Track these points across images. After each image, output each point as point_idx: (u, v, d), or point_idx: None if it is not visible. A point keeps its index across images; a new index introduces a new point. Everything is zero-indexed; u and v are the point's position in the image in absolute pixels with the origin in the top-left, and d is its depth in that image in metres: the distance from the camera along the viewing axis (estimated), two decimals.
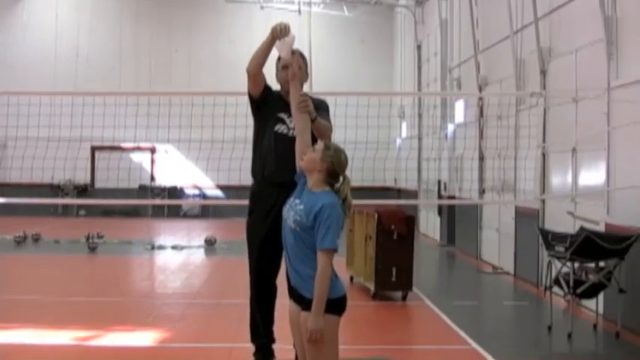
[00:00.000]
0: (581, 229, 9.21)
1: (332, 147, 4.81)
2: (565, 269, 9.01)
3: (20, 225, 20.06)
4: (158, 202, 28.65)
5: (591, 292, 9.11)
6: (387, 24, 29.32)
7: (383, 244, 11.14)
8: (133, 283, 13.48)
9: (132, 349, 8.08)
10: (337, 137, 5.99)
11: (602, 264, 9.01)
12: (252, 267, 6.45)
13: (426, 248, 18.64)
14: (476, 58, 16.72)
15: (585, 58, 11.14)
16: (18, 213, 23.70)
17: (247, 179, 6.77)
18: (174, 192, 28.79)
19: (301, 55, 6.25)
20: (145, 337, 8.57)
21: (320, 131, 5.79)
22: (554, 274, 9.21)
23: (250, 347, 6.63)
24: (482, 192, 16.51)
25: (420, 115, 23.62)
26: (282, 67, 6.15)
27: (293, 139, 5.26)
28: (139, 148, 27.80)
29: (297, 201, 4.73)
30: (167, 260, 16.08)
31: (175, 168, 28.53)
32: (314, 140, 5.23)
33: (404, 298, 11.23)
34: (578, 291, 8.91)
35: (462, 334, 9.00)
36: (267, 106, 6.30)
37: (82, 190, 28.20)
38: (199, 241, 18.77)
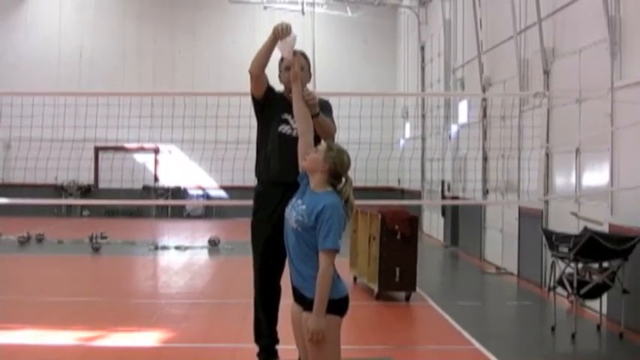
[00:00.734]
0: (585, 229, 9.22)
1: (334, 147, 4.82)
2: (569, 270, 9.01)
3: (24, 225, 20.09)
4: (161, 202, 28.67)
5: (595, 293, 9.11)
6: (390, 25, 29.32)
7: (386, 244, 11.14)
8: (137, 284, 13.50)
9: (135, 349, 8.09)
10: (340, 138, 6.00)
11: (605, 264, 9.00)
12: (256, 267, 6.46)
13: (429, 249, 18.63)
14: (479, 59, 16.72)
15: (589, 58, 11.14)
16: (22, 213, 23.72)
17: (251, 180, 6.78)
18: (178, 192, 28.81)
19: (304, 56, 6.26)
20: (148, 338, 8.59)
21: (323, 129, 5.80)
22: (557, 275, 9.21)
23: (254, 348, 6.63)
24: (485, 192, 16.50)
25: (423, 116, 23.61)
26: (285, 68, 6.16)
27: (297, 140, 5.27)
28: (142, 149, 27.84)
29: (300, 201, 4.74)
30: (171, 261, 16.10)
31: (179, 168, 28.55)
32: (317, 141, 5.25)
33: (407, 298, 11.23)
34: (582, 291, 8.91)
35: (466, 334, 9.00)
36: (270, 106, 6.31)
37: (86, 191, 28.24)
38: (203, 241, 18.77)
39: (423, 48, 23.90)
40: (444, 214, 20.09)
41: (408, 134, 26.17)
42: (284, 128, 6.28)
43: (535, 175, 13.14)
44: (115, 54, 29.16)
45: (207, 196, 28.79)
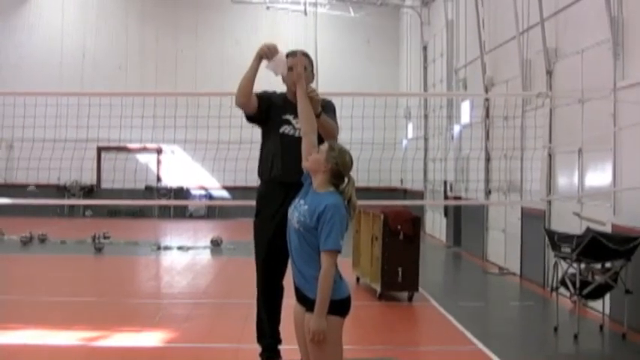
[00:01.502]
0: (588, 229, 9.21)
1: (336, 148, 4.82)
2: (571, 270, 9.01)
3: (26, 225, 20.10)
4: (164, 202, 28.69)
5: (597, 293, 9.10)
6: (392, 25, 29.33)
7: (389, 244, 11.15)
8: (139, 284, 13.51)
9: (138, 349, 8.10)
10: (343, 138, 6.00)
11: (608, 265, 8.99)
12: (258, 267, 6.46)
13: (432, 249, 18.63)
14: (482, 59, 16.72)
15: (591, 58, 11.14)
16: (24, 214, 23.74)
17: (253, 180, 6.79)
18: (181, 193, 28.82)
19: (306, 56, 6.26)
20: (151, 338, 8.59)
21: (325, 129, 5.80)
22: (560, 275, 9.21)
23: (256, 348, 6.63)
24: (488, 193, 16.50)
25: (426, 116, 23.61)
26: (288, 68, 6.16)
27: (299, 140, 5.28)
28: (145, 149, 27.84)
29: (302, 201, 4.75)
30: (173, 261, 16.11)
31: (181, 169, 28.58)
32: (320, 141, 5.25)
33: (410, 298, 11.24)
34: (585, 292, 8.91)
35: (468, 334, 9.00)
36: (272, 110, 6.31)
37: (89, 191, 28.26)
38: (205, 241, 18.78)
39: (425, 48, 23.91)
40: (446, 214, 20.10)
41: (410, 134, 26.17)
42: (286, 129, 6.29)
43: (538, 175, 13.14)
44: (117, 54, 29.19)
45: (210, 197, 28.80)
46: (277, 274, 6.37)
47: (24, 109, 13.13)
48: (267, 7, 28.14)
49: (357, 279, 12.60)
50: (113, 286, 12.70)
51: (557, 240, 9.20)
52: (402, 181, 26.02)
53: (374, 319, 10.07)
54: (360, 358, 7.53)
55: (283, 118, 6.28)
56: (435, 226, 22.00)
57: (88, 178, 27.45)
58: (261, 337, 6.57)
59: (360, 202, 4.98)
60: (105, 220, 25.33)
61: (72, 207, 28.42)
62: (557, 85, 12.57)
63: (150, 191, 28.18)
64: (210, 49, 29.43)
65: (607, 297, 9.42)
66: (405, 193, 25.78)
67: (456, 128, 19.67)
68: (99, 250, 17.10)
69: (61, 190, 27.40)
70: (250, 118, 6.37)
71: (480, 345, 8.45)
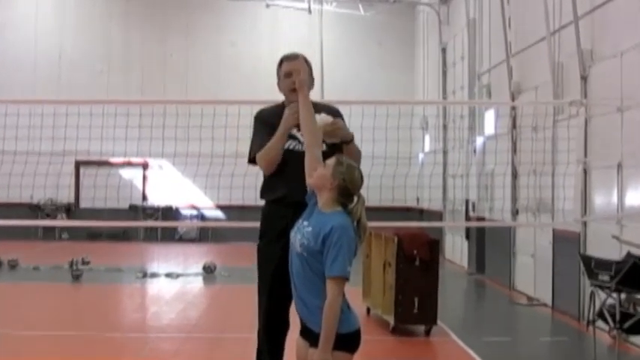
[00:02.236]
0: (628, 255, 9.17)
1: (345, 162, 4.82)
2: (610, 301, 8.97)
3: None
4: (151, 223, 28.71)
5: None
6: (407, 24, 29.40)
7: (403, 271, 11.13)
8: (123, 316, 13.50)
9: None
10: None
11: None
12: (262, 295, 6.43)
13: (452, 276, 18.61)
14: (508, 63, 16.74)
15: (632, 61, 11.13)
16: None
17: (251, 198, 6.80)
18: (169, 213, 28.85)
19: (304, 60, 6.27)
20: None
21: (353, 158, 5.76)
22: (597, 307, 9.17)
23: None
24: (515, 213, 16.48)
25: (445, 127, 23.64)
26: (285, 74, 6.15)
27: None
28: (129, 164, 27.89)
29: (306, 223, 4.74)
30: (161, 290, 16.10)
31: (170, 186, 28.58)
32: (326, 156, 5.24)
33: (427, 332, 11.21)
34: (625, 325, 8.86)
35: None
36: (274, 126, 6.27)
37: (66, 211, 28.30)
38: (197, 268, 18.78)
39: (444, 50, 23.96)
40: (468, 237, 20.07)
41: (427, 147, 26.19)
42: (291, 144, 6.27)
43: (571, 193, 13.12)
44: (98, 57, 29.25)
45: (202, 217, 28.83)
46: (283, 306, 6.33)
47: None
48: (267, 5, 28.20)
49: (368, 310, 12.58)
50: (93, 318, 12.68)
51: (593, 267, 9.17)
52: (418, 199, 26.02)
53: (386, 356, 10.05)
54: None
55: (289, 133, 6.27)
56: (456, 250, 21.98)
57: (65, 196, 27.46)
58: None
59: (371, 224, 4.98)
60: (84, 244, 25.32)
61: (46, 229, 28.40)
62: (592, 92, 12.57)
63: (135, 211, 28.21)
64: (203, 51, 29.49)
65: None
66: (421, 214, 25.77)
67: (479, 140, 19.67)
68: (77, 277, 17.09)
69: (34, 210, 27.42)
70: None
71: None
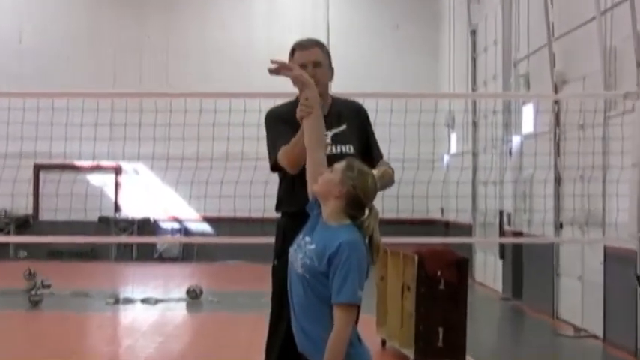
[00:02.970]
0: None
1: (356, 167, 4.82)
2: None
3: None
4: (124, 239, 28.73)
5: None
6: (430, 3, 29.45)
7: (425, 296, 11.14)
8: (91, 349, 13.52)
9: None
10: None
11: None
12: (274, 325, 6.42)
13: (483, 302, 18.62)
14: (550, 48, 16.75)
15: None
16: None
17: (244, 210, 6.83)
18: (147, 226, 28.87)
19: (320, 46, 6.29)
20: None
21: (363, 171, 5.75)
22: None
23: None
24: (559, 227, 16.48)
25: (474, 124, 23.65)
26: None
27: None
28: (98, 168, 27.96)
29: (307, 239, 4.75)
30: (136, 318, 16.12)
31: (148, 194, 28.61)
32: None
33: None
34: None
35: None
36: (288, 126, 6.27)
37: (23, 224, 28.33)
38: (180, 292, 18.78)
39: (474, 33, 23.98)
40: (502, 255, 20.07)
41: (454, 149, 26.21)
42: None
43: (626, 203, 13.11)
44: (62, 41, 29.27)
45: (186, 232, 28.86)
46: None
47: None
48: None
49: (383, 342, 12.60)
50: (55, 351, 12.70)
51: None
52: (442, 210, 26.04)
53: None
54: None
55: None
56: (488, 271, 21.97)
57: (22, 206, 27.50)
58: None
59: (387, 239, 4.98)
60: (44, 263, 25.28)
61: (0, 245, 28.46)
62: None
63: (105, 224, 28.25)
64: (188, 34, 29.47)
65: None
66: (446, 228, 25.79)
67: (515, 140, 19.68)
68: (36, 303, 17.10)
69: None
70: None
71: None
